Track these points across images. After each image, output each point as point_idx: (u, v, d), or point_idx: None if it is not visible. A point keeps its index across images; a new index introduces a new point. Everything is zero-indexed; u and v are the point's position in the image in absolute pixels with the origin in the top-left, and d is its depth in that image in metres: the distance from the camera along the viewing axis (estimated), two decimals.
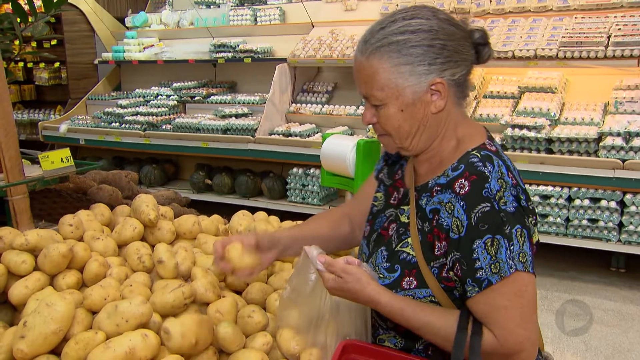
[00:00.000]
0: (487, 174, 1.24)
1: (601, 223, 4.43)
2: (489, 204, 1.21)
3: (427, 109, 1.30)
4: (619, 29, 4.61)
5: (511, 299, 1.20)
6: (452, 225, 1.25)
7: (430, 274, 1.29)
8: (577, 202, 4.49)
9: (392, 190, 1.47)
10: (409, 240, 1.34)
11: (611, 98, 4.76)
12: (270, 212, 2.23)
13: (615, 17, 4.82)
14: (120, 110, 6.69)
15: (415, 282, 1.30)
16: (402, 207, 1.41)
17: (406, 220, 1.37)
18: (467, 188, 1.24)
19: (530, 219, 1.27)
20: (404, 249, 1.34)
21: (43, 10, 2.49)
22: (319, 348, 1.37)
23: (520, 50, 4.84)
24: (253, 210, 2.25)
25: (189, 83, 6.88)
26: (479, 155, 1.29)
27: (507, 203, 1.22)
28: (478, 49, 1.33)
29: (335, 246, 1.62)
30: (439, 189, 1.31)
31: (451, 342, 1.22)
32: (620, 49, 4.49)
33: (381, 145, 1.41)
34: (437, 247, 1.28)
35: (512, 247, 1.20)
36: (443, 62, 1.27)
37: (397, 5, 5.89)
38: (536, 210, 4.49)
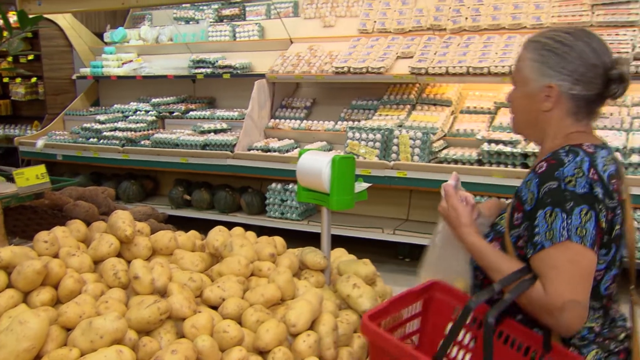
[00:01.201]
0: (566, 161, 1.44)
1: None
2: (556, 183, 1.41)
3: (539, 105, 1.53)
4: None
5: (562, 263, 1.37)
6: (527, 198, 1.46)
7: (510, 241, 1.51)
8: None
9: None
10: (504, 215, 1.59)
11: None
12: (249, 227, 2.24)
13: None
14: (99, 126, 6.65)
15: (498, 247, 1.54)
16: None
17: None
18: (544, 168, 1.45)
19: (604, 210, 1.41)
20: (499, 222, 1.61)
21: (19, 26, 2.49)
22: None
23: (496, 66, 4.92)
24: (232, 225, 2.26)
25: (168, 98, 6.87)
26: (567, 148, 1.48)
27: (577, 186, 1.40)
28: (609, 83, 1.49)
29: None
30: (530, 173, 1.51)
31: (514, 283, 1.40)
32: None
33: None
34: (515, 217, 1.51)
35: (569, 221, 1.38)
36: (563, 73, 1.48)
37: (375, 21, 5.98)
38: None
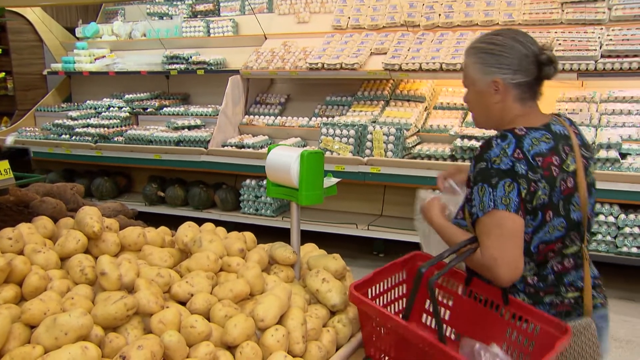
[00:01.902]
0: (494, 145, 1.71)
1: None
2: (485, 163, 1.69)
3: (491, 99, 1.78)
4: (559, 43, 4.79)
5: (491, 228, 1.65)
6: (471, 177, 1.74)
7: (467, 211, 1.77)
8: None
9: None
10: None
11: (555, 109, 4.93)
12: (223, 224, 2.24)
13: (556, 32, 5.01)
14: (71, 122, 6.57)
15: (461, 215, 1.82)
16: None
17: None
18: (478, 152, 1.74)
19: (525, 183, 1.66)
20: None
21: None
22: None
23: None
24: (206, 222, 2.25)
25: (142, 95, 6.81)
26: (500, 133, 1.74)
27: (501, 164, 1.67)
28: (541, 66, 1.75)
29: None
30: None
31: (466, 254, 1.66)
32: (561, 63, 4.65)
33: None
34: (468, 192, 1.78)
35: (495, 193, 1.66)
36: (500, 67, 1.75)
37: (349, 18, 5.99)
38: None
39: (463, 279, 1.80)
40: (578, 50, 4.64)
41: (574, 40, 4.77)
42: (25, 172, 4.81)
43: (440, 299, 1.85)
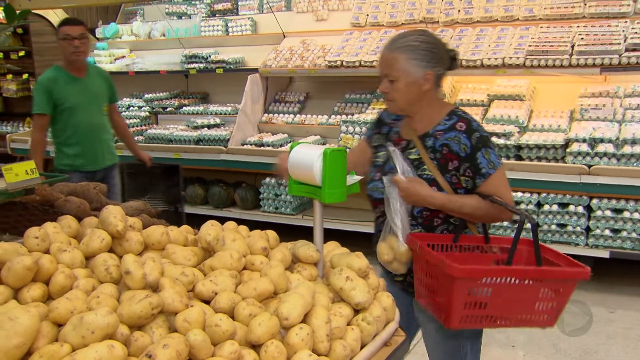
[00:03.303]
0: (470, 118, 2.16)
1: (569, 227, 4.51)
2: (478, 132, 2.12)
3: (420, 88, 2.14)
4: (582, 38, 4.73)
5: (502, 180, 2.13)
6: (460, 148, 2.10)
7: (445, 182, 2.12)
8: (546, 207, 4.58)
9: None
10: (425, 167, 2.15)
11: (577, 105, 4.86)
12: (243, 222, 2.23)
13: (578, 26, 4.94)
14: None
15: (435, 188, 2.12)
16: (408, 151, 2.21)
17: (417, 157, 2.18)
18: (465, 126, 2.12)
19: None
20: (423, 172, 2.15)
21: (5, 21, 2.46)
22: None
23: (489, 59, 4.93)
24: (226, 220, 2.24)
25: (161, 94, 6.85)
26: (460, 111, 2.20)
27: (484, 131, 2.14)
28: (451, 60, 2.19)
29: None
30: (441, 132, 2.15)
31: (481, 208, 2.09)
32: (583, 58, 4.60)
33: (379, 118, 2.41)
34: (450, 164, 2.12)
35: (494, 152, 2.12)
36: (433, 62, 2.12)
37: (368, 15, 5.96)
38: None
39: (450, 239, 2.14)
40: (601, 44, 4.58)
41: (596, 35, 4.70)
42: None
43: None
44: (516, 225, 1.93)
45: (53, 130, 4.17)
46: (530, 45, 4.87)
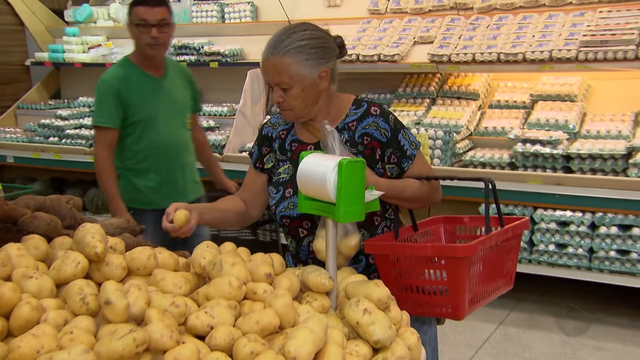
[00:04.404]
0: (377, 103, 2.39)
1: (633, 255, 4.46)
2: (391, 115, 2.38)
3: (317, 88, 2.27)
4: None
5: (424, 159, 2.41)
6: (380, 134, 2.32)
7: (374, 174, 2.23)
8: (603, 229, 4.55)
9: (296, 156, 2.25)
10: None
11: None
12: (242, 243, 2.26)
13: None
14: (60, 122, 6.68)
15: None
16: None
17: None
18: (379, 110, 2.36)
19: None
20: (374, 167, 2.30)
21: None
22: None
23: (533, 51, 4.92)
24: (222, 239, 2.27)
25: None
26: (364, 97, 2.49)
27: (393, 113, 2.41)
28: (340, 49, 2.34)
29: (237, 220, 2.52)
30: (354, 122, 2.35)
31: (422, 189, 2.32)
32: None
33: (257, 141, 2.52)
34: (377, 154, 2.32)
35: (409, 132, 2.38)
36: (327, 57, 2.26)
37: (389, 0, 6.00)
38: (553, 240, 4.54)
39: (402, 235, 2.32)
40: None
41: None
42: None
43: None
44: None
45: (117, 153, 3.64)
46: (585, 35, 4.83)
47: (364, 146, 2.32)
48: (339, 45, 2.36)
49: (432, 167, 4.90)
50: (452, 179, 2.32)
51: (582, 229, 4.59)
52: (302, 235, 2.39)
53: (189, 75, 3.90)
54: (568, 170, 4.70)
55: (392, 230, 2.32)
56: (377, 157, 2.32)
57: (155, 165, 3.61)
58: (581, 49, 4.77)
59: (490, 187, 2.12)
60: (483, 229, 2.20)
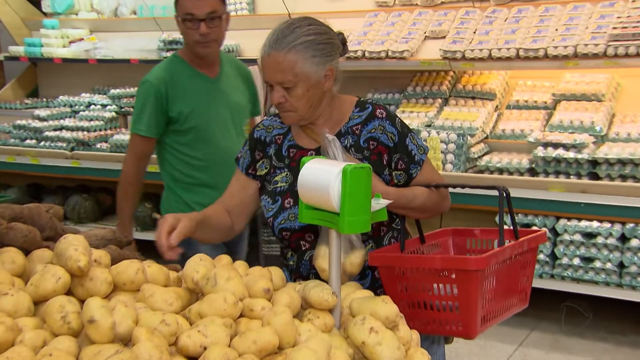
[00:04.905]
0: (383, 106, 2.41)
1: None
2: (398, 118, 2.40)
3: (322, 88, 2.28)
4: None
5: (432, 165, 2.46)
6: (388, 137, 2.34)
7: (381, 181, 2.28)
8: (634, 242, 4.53)
9: (295, 164, 2.33)
10: None
11: None
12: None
13: None
14: (38, 124, 6.69)
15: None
16: None
17: None
18: (385, 113, 2.37)
19: None
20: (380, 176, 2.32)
21: None
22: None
23: (556, 47, 4.91)
24: (218, 252, 2.28)
25: (132, 89, 6.90)
26: (367, 99, 2.46)
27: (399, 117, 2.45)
28: (343, 46, 2.35)
29: (220, 238, 2.50)
30: (359, 126, 2.36)
31: (432, 197, 2.34)
32: None
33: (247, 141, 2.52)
34: (383, 159, 2.34)
35: (417, 135, 2.42)
36: (332, 54, 2.28)
37: None
38: (578, 253, 4.54)
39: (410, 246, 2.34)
40: None
41: None
42: None
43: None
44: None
45: (165, 164, 3.51)
46: (614, 27, 4.79)
47: (370, 151, 2.34)
48: (342, 41, 2.37)
49: (445, 173, 4.96)
50: (463, 187, 2.34)
51: (611, 241, 4.57)
52: (304, 249, 2.38)
53: (248, 72, 3.73)
54: (594, 176, 4.69)
55: (398, 242, 2.33)
56: (385, 162, 2.34)
57: (209, 179, 3.42)
58: (610, 43, 4.73)
59: (504, 195, 2.13)
60: (496, 242, 2.21)
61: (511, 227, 2.22)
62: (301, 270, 2.40)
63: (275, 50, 2.21)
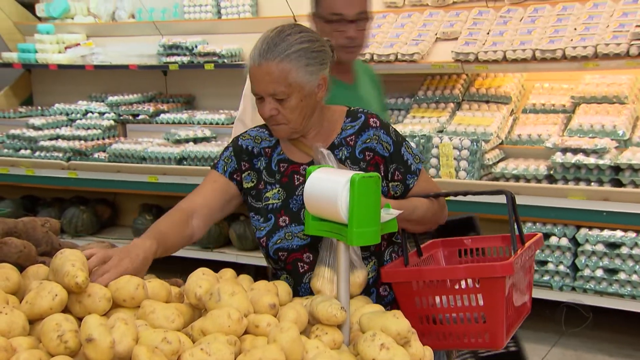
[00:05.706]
0: (375, 115, 2.42)
1: None
2: (392, 127, 2.42)
3: (315, 98, 2.27)
4: None
5: (427, 175, 2.49)
6: (384, 147, 2.35)
7: (388, 185, 2.35)
8: None
9: (287, 179, 2.36)
10: None
11: None
12: (241, 268, 2.28)
13: None
14: (33, 133, 6.70)
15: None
16: None
17: None
18: (379, 122, 2.38)
19: None
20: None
21: None
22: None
23: (574, 47, 4.89)
24: (219, 265, 2.28)
25: (130, 96, 6.92)
26: (359, 109, 2.44)
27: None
28: (331, 51, 2.33)
29: (177, 249, 2.32)
30: (353, 137, 2.36)
31: (432, 207, 2.36)
32: None
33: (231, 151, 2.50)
34: (380, 170, 2.34)
35: (410, 144, 2.43)
36: (325, 62, 2.27)
37: None
38: (601, 264, 4.52)
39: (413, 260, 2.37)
40: None
41: None
42: None
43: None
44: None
45: None
46: (637, 25, 4.77)
47: (367, 162, 2.34)
48: (332, 49, 2.36)
49: (458, 181, 4.96)
50: (465, 194, 2.39)
51: (636, 251, 4.54)
52: (301, 271, 2.34)
53: (376, 76, 3.47)
54: (617, 183, 4.67)
55: (400, 257, 2.35)
56: (382, 174, 2.33)
57: None
58: (633, 42, 4.71)
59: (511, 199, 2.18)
60: (488, 249, 2.34)
61: (505, 234, 2.30)
62: (300, 294, 2.32)
63: (267, 60, 2.20)
